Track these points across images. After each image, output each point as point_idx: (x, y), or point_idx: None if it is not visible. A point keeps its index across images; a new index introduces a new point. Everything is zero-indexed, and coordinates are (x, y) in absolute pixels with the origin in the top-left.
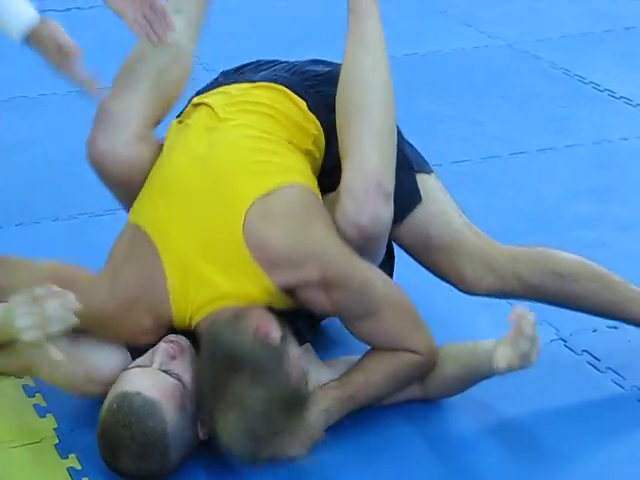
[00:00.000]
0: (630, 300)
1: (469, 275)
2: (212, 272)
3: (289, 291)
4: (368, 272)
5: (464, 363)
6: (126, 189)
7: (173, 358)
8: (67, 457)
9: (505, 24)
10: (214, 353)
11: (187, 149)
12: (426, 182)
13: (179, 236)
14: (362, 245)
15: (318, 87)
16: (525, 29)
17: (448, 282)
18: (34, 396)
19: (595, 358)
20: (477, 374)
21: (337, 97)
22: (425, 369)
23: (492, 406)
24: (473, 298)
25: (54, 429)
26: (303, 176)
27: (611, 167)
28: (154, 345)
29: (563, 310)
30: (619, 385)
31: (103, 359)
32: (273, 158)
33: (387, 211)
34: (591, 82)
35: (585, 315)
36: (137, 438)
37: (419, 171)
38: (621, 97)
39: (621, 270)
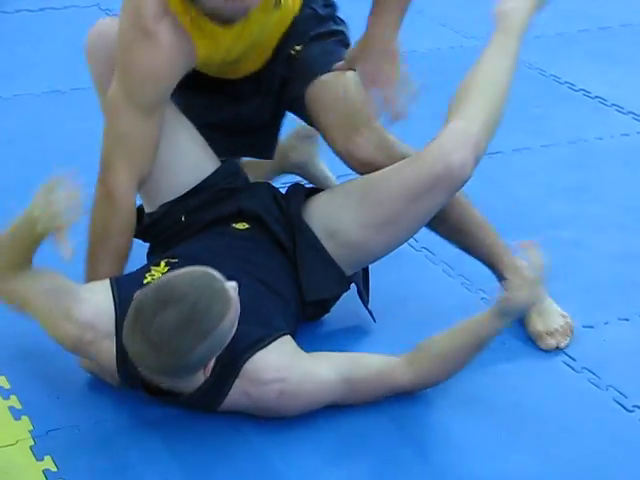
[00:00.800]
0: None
1: (359, 141)
2: None
3: None
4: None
5: (455, 336)
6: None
7: None
8: (42, 459)
9: (481, 24)
10: None
11: None
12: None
13: None
14: (434, 185)
15: None
16: None
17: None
18: (9, 398)
19: (571, 358)
20: (475, 340)
21: (469, 74)
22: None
23: (465, 406)
24: (451, 304)
25: (29, 431)
26: None
27: (586, 167)
28: None
29: None
30: (595, 385)
31: (91, 298)
32: None
33: (470, 169)
34: (566, 82)
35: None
36: (196, 307)
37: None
38: (596, 97)
39: (597, 270)
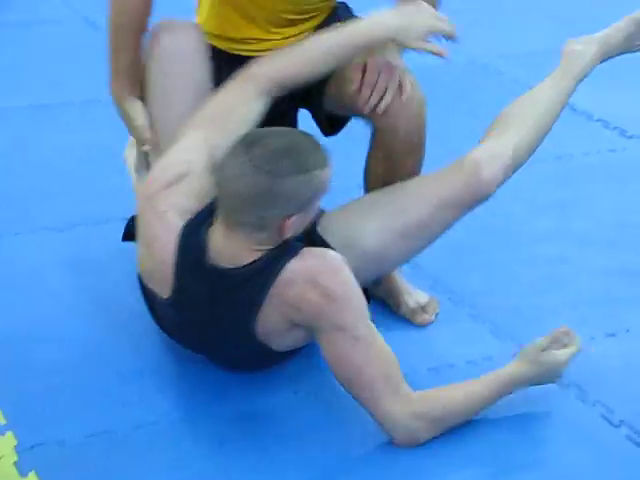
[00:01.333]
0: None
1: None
2: None
3: None
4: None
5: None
6: None
7: None
8: (27, 475)
9: (467, 39)
10: None
11: None
12: None
13: None
14: (462, 196)
15: None
16: (487, 45)
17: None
18: None
19: None
20: (482, 387)
21: (517, 100)
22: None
23: None
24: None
25: (14, 447)
26: None
27: (573, 182)
28: None
29: (524, 322)
30: (581, 400)
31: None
32: None
33: (496, 186)
34: None
35: (547, 327)
36: (303, 142)
37: None
38: (582, 112)
39: (582, 285)
